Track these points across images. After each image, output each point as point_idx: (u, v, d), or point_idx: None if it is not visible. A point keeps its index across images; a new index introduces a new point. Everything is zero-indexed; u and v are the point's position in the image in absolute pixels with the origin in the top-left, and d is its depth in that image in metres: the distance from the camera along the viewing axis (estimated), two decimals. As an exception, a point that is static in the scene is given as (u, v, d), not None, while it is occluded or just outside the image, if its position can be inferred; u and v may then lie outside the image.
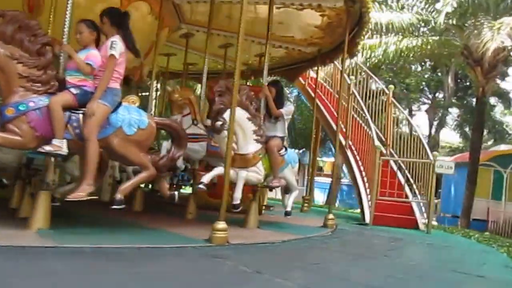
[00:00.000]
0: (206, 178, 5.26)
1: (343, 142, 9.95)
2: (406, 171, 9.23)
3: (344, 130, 10.06)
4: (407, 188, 8.96)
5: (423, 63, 26.29)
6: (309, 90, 11.82)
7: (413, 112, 32.67)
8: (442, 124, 27.27)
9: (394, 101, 10.59)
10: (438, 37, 15.47)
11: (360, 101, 10.11)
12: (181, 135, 5.00)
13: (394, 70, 24.79)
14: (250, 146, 5.61)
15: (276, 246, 4.74)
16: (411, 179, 9.07)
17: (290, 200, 6.47)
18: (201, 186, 5.12)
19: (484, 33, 11.53)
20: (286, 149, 6.33)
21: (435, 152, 8.23)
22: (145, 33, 7.74)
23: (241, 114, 5.43)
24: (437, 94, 28.81)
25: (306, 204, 9.78)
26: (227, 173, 4.54)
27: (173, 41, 9.87)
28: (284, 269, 3.68)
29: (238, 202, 5.36)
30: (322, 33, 8.80)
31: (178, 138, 5.00)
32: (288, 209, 6.35)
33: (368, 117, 9.84)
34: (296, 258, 4.28)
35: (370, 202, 8.47)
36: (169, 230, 5.03)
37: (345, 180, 23.96)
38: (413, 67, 26.67)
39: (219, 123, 5.23)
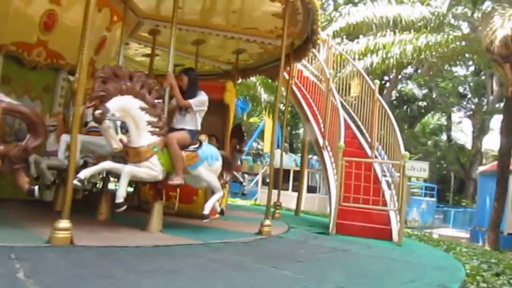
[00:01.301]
0: (84, 173, 4.60)
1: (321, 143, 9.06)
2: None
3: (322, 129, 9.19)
4: (388, 195, 7.86)
5: (463, 66, 24.59)
6: (295, 88, 10.94)
7: (454, 118, 30.75)
8: (484, 130, 25.31)
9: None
10: (459, 33, 14.20)
11: (337, 97, 9.07)
12: (35, 122, 4.41)
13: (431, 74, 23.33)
14: (144, 139, 4.96)
15: (128, 250, 3.99)
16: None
17: (209, 202, 5.72)
18: (75, 182, 4.47)
19: (493, 20, 10.22)
20: (200, 144, 5.60)
21: (405, 152, 7.10)
22: (116, 47, 7.85)
23: (131, 103, 4.88)
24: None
25: (277, 211, 8.87)
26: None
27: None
28: (81, 278, 2.94)
29: (121, 200, 4.67)
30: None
31: (32, 126, 4.42)
32: (205, 211, 5.60)
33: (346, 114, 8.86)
34: (129, 265, 3.49)
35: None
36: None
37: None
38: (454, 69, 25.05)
39: (98, 111, 4.60)
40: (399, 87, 31.13)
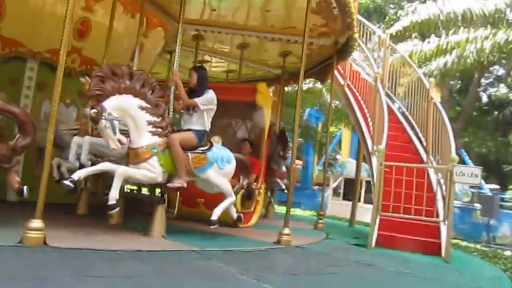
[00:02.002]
0: (78, 174, 4.47)
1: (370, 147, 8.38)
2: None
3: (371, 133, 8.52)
4: (440, 205, 6.98)
5: None
6: (347, 91, 10.29)
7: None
8: None
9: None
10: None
11: (383, 98, 8.31)
12: (23, 121, 4.38)
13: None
14: (144, 139, 4.76)
15: (101, 254, 3.71)
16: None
17: (219, 207, 5.38)
18: (67, 182, 4.36)
19: None
20: (211, 145, 5.30)
21: (454, 156, 6.23)
22: (156, 54, 8.10)
23: (130, 102, 4.71)
24: None
25: (320, 221, 8.28)
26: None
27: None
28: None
29: (113, 202, 4.46)
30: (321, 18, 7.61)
31: (21, 125, 4.39)
32: (213, 217, 5.28)
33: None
34: (82, 269, 3.21)
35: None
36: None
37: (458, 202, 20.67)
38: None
39: (93, 111, 4.48)
40: (490, 90, 28.65)
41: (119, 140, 4.56)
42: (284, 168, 9.41)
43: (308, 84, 18.85)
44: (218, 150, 5.37)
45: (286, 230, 5.58)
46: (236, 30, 8.87)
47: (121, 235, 4.83)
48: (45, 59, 7.11)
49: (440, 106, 7.96)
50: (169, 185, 4.89)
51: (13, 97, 6.80)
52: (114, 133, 4.53)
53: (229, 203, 5.48)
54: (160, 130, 4.85)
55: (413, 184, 6.96)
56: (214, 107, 5.32)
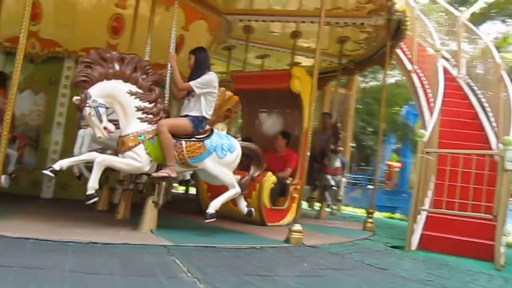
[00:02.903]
0: (60, 164, 4.38)
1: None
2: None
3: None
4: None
5: None
6: (415, 78, 9.26)
7: None
8: None
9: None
10: None
11: (441, 79, 7.26)
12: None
13: None
14: (131, 126, 4.56)
15: (45, 244, 3.57)
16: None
17: (217, 200, 5.00)
18: (47, 172, 4.29)
19: None
20: (211, 133, 4.95)
21: (506, 137, 5.13)
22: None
23: (118, 88, 4.53)
24: None
25: (369, 220, 7.47)
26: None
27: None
28: None
29: (91, 192, 4.29)
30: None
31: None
32: (209, 210, 4.91)
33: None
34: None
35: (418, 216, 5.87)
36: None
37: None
38: None
39: (76, 98, 4.39)
40: None
41: (105, 128, 4.41)
42: (337, 163, 8.68)
43: (393, 77, 17.61)
44: (218, 138, 5.00)
45: (297, 227, 5.04)
46: (283, 17, 8.50)
47: (106, 228, 4.63)
48: (81, 58, 7.29)
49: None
50: (154, 174, 4.63)
51: (52, 96, 7.10)
52: (100, 121, 4.38)
53: (231, 196, 5.09)
54: (150, 116, 4.62)
55: (471, 176, 5.93)
56: (214, 90, 4.96)
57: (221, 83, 10.58)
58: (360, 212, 13.00)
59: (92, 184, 4.29)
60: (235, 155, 5.06)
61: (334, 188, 8.56)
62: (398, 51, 9.92)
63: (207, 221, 4.85)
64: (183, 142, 4.74)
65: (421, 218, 6.02)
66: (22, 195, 6.64)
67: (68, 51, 7.20)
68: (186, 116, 4.88)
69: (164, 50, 7.62)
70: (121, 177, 5.67)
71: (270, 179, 6.56)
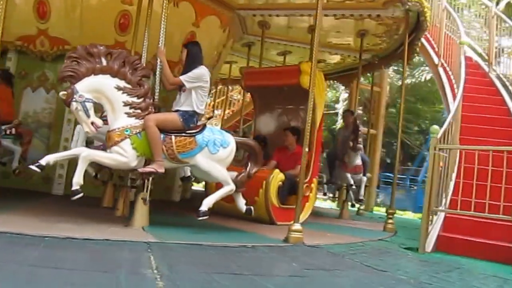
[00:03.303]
0: (46, 159, 4.31)
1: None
2: None
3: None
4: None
5: None
6: (442, 72, 8.77)
7: None
8: None
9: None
10: None
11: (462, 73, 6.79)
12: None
13: None
14: (118, 121, 4.46)
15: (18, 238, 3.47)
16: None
17: (210, 197, 4.81)
18: (33, 167, 4.22)
19: None
20: (203, 128, 4.77)
21: None
22: (215, 45, 8.20)
23: (105, 83, 4.43)
24: None
25: (389, 221, 7.07)
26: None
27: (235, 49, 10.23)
28: None
29: (76, 188, 4.19)
30: None
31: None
32: (201, 207, 4.70)
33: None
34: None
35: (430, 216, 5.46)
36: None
37: None
38: None
39: (62, 93, 4.33)
40: None
41: (93, 123, 4.32)
42: (358, 161, 8.32)
43: (429, 72, 16.91)
44: (210, 133, 4.81)
45: (296, 226, 4.78)
46: (297, 11, 8.25)
47: (99, 224, 4.52)
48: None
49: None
50: (140, 169, 4.48)
51: None
52: (87, 115, 4.30)
53: (225, 193, 4.88)
54: (138, 111, 4.50)
55: (502, 174, 5.46)
56: (205, 84, 4.79)
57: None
58: (402, 214, 12.51)
59: (77, 180, 4.19)
60: (229, 151, 4.85)
61: (353, 187, 8.21)
62: (426, 44, 9.47)
63: (200, 219, 4.66)
64: (173, 137, 4.60)
65: (439, 218, 5.61)
66: (34, 191, 6.71)
67: None
68: (177, 111, 4.72)
69: (175, 47, 7.65)
70: (122, 174, 5.56)
71: (277, 176, 6.31)
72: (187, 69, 4.79)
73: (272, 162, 6.96)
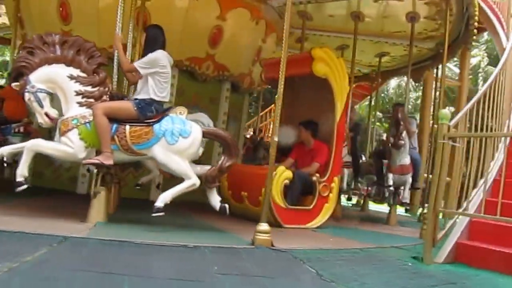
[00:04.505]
0: (1, 151, 4.25)
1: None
2: None
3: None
4: None
5: None
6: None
7: None
8: None
9: None
10: None
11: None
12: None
13: None
14: (70, 111, 4.34)
15: None
16: None
17: (168, 192, 4.43)
18: None
19: None
20: (162, 116, 4.44)
21: None
22: (248, 40, 8.07)
23: (58, 72, 4.35)
24: None
25: (424, 227, 5.99)
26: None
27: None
28: None
29: (20, 179, 4.09)
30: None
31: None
32: (157, 203, 4.34)
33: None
34: None
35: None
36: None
37: None
38: None
39: (15, 84, 4.34)
40: None
41: (47, 114, 4.25)
42: (404, 160, 7.28)
43: None
44: (169, 122, 4.44)
45: (263, 227, 4.19)
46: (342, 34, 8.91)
47: (51, 219, 4.35)
48: (185, 67, 7.50)
49: None
50: (85, 160, 4.28)
51: None
52: (41, 106, 4.24)
53: (185, 188, 4.43)
54: (91, 100, 4.32)
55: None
56: (162, 69, 4.47)
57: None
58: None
59: (21, 171, 4.10)
60: (189, 142, 4.43)
61: (390, 188, 7.25)
62: (496, 23, 8.12)
63: (154, 215, 4.28)
64: (127, 127, 4.34)
65: (460, 223, 4.61)
66: (61, 190, 6.91)
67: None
68: (135, 99, 4.47)
69: (199, 43, 7.47)
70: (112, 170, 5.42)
71: (282, 174, 5.73)
72: (144, 54, 4.52)
73: (289, 160, 6.39)
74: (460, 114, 4.52)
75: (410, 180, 7.32)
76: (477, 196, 4.66)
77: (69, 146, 4.21)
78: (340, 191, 7.98)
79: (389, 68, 11.01)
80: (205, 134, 4.61)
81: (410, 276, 3.70)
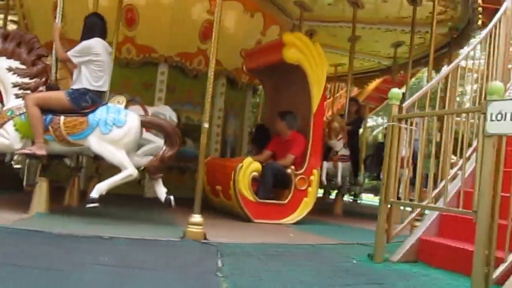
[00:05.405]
0: None
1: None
2: None
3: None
4: None
5: None
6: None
7: None
8: None
9: None
10: None
11: None
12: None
13: None
14: (8, 104, 4.37)
15: None
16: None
17: (104, 182, 4.30)
18: None
19: None
20: (96, 106, 4.36)
21: (494, 83, 3.04)
22: (245, 33, 7.95)
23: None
24: None
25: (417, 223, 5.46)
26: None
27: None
28: None
29: None
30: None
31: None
32: (92, 194, 4.21)
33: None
34: None
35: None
36: None
37: None
38: None
39: None
40: None
41: None
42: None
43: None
44: (104, 112, 4.33)
45: (196, 219, 3.95)
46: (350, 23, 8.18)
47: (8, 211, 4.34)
48: (175, 63, 7.51)
49: None
50: (17, 152, 4.27)
51: (147, 100, 7.03)
52: None
53: (121, 179, 4.28)
54: (27, 92, 4.31)
55: None
56: (96, 57, 4.37)
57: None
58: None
59: None
60: (124, 131, 4.29)
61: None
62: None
63: (88, 206, 4.16)
64: (62, 118, 4.28)
65: (426, 217, 4.15)
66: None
67: (164, 57, 7.60)
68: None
69: (187, 40, 7.32)
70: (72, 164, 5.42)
71: (249, 166, 5.46)
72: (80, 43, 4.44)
73: (266, 152, 6.13)
74: (417, 95, 4.05)
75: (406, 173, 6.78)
76: (452, 187, 4.14)
77: (5, 137, 4.22)
78: (341, 187, 7.61)
79: (408, 59, 10.34)
80: (144, 123, 4.48)
81: (336, 274, 3.32)
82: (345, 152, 7.32)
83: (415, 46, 9.31)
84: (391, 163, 3.86)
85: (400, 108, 3.91)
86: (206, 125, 4.03)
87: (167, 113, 5.33)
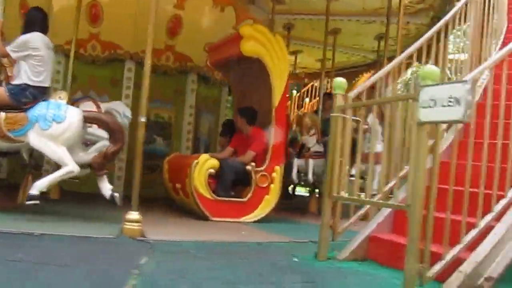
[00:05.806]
0: None
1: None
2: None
3: None
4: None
5: None
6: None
7: None
8: None
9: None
10: None
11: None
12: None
13: None
14: None
15: None
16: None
17: (44, 179, 4.21)
18: None
19: None
20: (37, 102, 4.21)
21: (428, 66, 2.90)
22: (212, 27, 7.60)
23: None
24: None
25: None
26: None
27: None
28: None
29: None
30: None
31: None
32: (31, 190, 4.09)
33: None
34: None
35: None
36: None
37: None
38: None
39: None
40: None
41: None
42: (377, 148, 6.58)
43: None
44: (44, 108, 4.21)
45: (133, 215, 3.80)
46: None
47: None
48: (142, 59, 7.27)
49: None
50: None
51: (115, 98, 6.79)
52: None
53: (61, 175, 4.16)
54: None
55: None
56: (35, 52, 4.23)
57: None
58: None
59: None
60: (64, 127, 4.17)
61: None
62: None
63: (28, 203, 4.04)
64: (2, 114, 4.15)
65: (379, 213, 3.97)
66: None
67: (130, 53, 7.32)
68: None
69: (156, 34, 7.12)
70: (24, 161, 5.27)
71: (206, 163, 5.31)
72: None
73: (228, 149, 5.96)
74: (365, 83, 3.89)
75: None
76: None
77: None
78: (314, 184, 7.44)
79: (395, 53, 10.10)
80: (86, 119, 4.34)
81: (271, 272, 3.18)
82: (319, 148, 7.12)
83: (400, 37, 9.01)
84: (335, 156, 3.67)
85: (346, 98, 3.74)
86: (143, 119, 3.88)
87: (120, 109, 5.19)
